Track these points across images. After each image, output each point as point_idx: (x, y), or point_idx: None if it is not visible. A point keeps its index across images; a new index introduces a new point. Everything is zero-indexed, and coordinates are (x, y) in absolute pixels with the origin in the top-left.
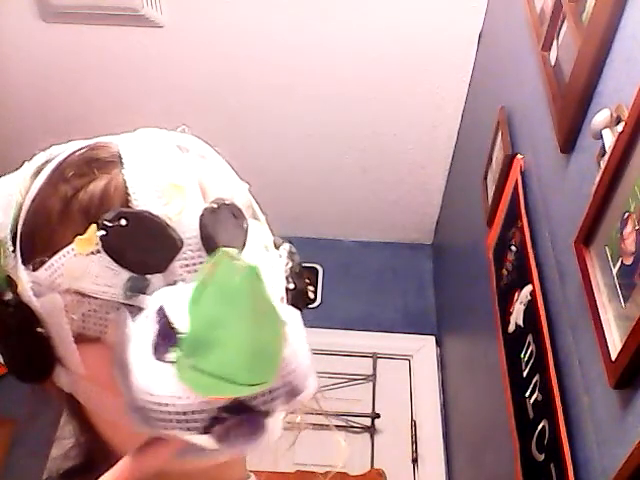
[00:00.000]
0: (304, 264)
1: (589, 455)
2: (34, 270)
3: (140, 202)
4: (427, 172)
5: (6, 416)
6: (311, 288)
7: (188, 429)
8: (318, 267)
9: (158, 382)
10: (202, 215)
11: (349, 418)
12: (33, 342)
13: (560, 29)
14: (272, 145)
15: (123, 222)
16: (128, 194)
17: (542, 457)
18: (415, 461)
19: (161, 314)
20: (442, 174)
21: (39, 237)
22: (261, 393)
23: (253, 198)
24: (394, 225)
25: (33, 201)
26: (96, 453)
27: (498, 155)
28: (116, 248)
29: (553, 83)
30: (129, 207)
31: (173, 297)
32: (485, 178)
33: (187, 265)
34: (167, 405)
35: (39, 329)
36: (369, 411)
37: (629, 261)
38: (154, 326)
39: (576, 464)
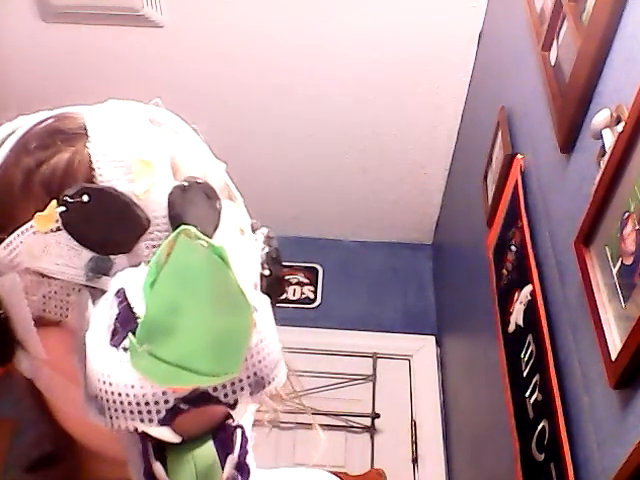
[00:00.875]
0: (304, 264)
1: (589, 455)
2: None
3: (105, 178)
4: (427, 172)
5: (6, 416)
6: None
7: (144, 420)
8: (318, 267)
9: (114, 370)
10: (171, 193)
11: (349, 418)
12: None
13: (560, 29)
14: (272, 145)
15: (85, 198)
16: (93, 169)
17: (542, 457)
18: (415, 461)
19: (120, 297)
20: (442, 174)
21: (0, 212)
22: (225, 383)
23: (230, 178)
24: (394, 225)
25: None
26: (60, 443)
27: (498, 155)
28: (77, 226)
29: (553, 83)
30: (93, 183)
31: (135, 279)
32: (485, 178)
33: (154, 246)
34: (121, 395)
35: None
36: (369, 411)
37: (629, 261)
38: (113, 310)
39: (576, 464)
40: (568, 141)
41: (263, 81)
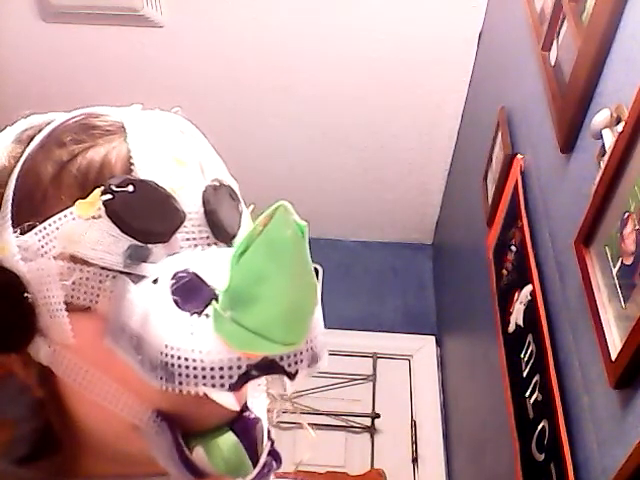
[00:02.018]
0: None
1: (589, 455)
2: (22, 234)
3: (143, 173)
4: (427, 172)
5: (6, 416)
6: None
7: (215, 385)
8: (318, 267)
9: (185, 338)
10: (205, 191)
11: (349, 418)
12: (14, 308)
13: (560, 29)
14: (272, 145)
15: (130, 188)
16: (132, 163)
17: (542, 457)
18: (415, 461)
19: (179, 277)
20: (442, 174)
21: (28, 201)
22: (289, 354)
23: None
24: (394, 225)
25: (23, 165)
26: (55, 436)
27: (498, 155)
28: (121, 214)
29: (553, 83)
30: (133, 177)
31: (199, 259)
32: (485, 178)
33: (188, 239)
34: (195, 361)
35: (24, 294)
36: (369, 411)
37: (629, 261)
38: (172, 287)
39: (576, 464)
40: (568, 141)
41: (263, 81)
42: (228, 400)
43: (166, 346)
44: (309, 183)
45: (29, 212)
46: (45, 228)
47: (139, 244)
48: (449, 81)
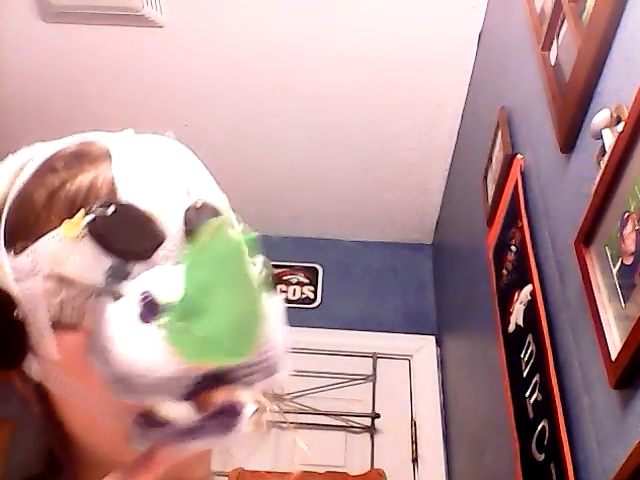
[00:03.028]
0: (304, 264)
1: (589, 455)
2: (15, 255)
3: (126, 195)
4: (427, 172)
5: (6, 416)
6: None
7: (168, 395)
8: (318, 267)
9: (141, 352)
10: (187, 210)
11: (349, 418)
12: (6, 327)
13: (560, 29)
14: (272, 145)
15: (111, 210)
16: (115, 187)
17: (542, 457)
18: (415, 461)
19: (146, 294)
20: (442, 174)
21: (22, 224)
22: (242, 365)
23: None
24: (394, 225)
25: (19, 191)
26: (59, 454)
27: (498, 155)
28: (102, 234)
29: (553, 83)
30: (117, 200)
31: (159, 276)
32: (485, 178)
33: (168, 257)
34: (149, 373)
35: (16, 313)
36: (369, 411)
37: (629, 261)
38: (139, 303)
39: (576, 464)
40: (568, 141)
41: (263, 81)
42: (182, 410)
43: (125, 359)
44: (309, 183)
45: (23, 235)
46: (35, 249)
47: (120, 263)
48: (449, 81)
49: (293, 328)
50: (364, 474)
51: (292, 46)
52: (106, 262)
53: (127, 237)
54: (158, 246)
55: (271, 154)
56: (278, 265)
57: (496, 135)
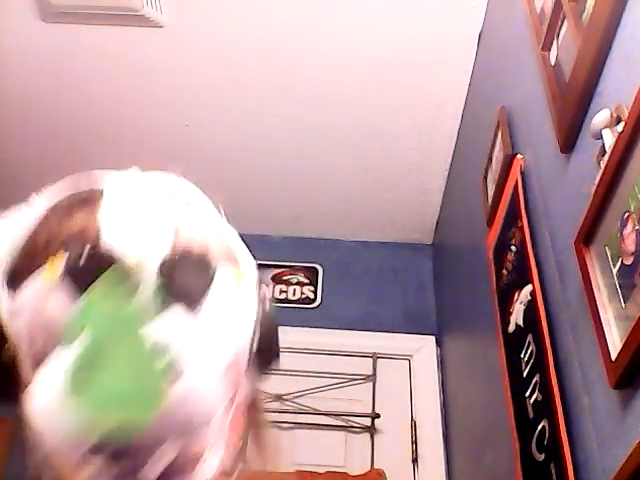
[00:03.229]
0: (304, 264)
1: (589, 455)
2: (12, 293)
3: (108, 241)
4: (427, 172)
5: (6, 416)
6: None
7: (64, 463)
8: (318, 267)
9: (48, 409)
10: (162, 263)
11: (349, 418)
12: (6, 361)
13: (560, 29)
14: (272, 145)
15: (85, 255)
16: (99, 232)
17: (542, 457)
18: (415, 461)
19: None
20: (442, 174)
21: (24, 264)
22: (142, 438)
23: (242, 241)
24: (394, 225)
25: (28, 233)
26: None
27: (498, 155)
28: (74, 280)
29: (553, 83)
30: (99, 245)
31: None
32: (485, 178)
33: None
34: (52, 432)
35: (7, 348)
36: (369, 411)
37: (629, 261)
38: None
39: (576, 464)
40: (568, 141)
41: (263, 81)
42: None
43: (37, 414)
44: (309, 183)
45: (22, 274)
46: (24, 289)
47: None
48: (449, 81)
49: (293, 328)
50: (364, 474)
51: (292, 46)
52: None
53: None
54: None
55: (271, 154)
56: (278, 265)
57: (496, 135)
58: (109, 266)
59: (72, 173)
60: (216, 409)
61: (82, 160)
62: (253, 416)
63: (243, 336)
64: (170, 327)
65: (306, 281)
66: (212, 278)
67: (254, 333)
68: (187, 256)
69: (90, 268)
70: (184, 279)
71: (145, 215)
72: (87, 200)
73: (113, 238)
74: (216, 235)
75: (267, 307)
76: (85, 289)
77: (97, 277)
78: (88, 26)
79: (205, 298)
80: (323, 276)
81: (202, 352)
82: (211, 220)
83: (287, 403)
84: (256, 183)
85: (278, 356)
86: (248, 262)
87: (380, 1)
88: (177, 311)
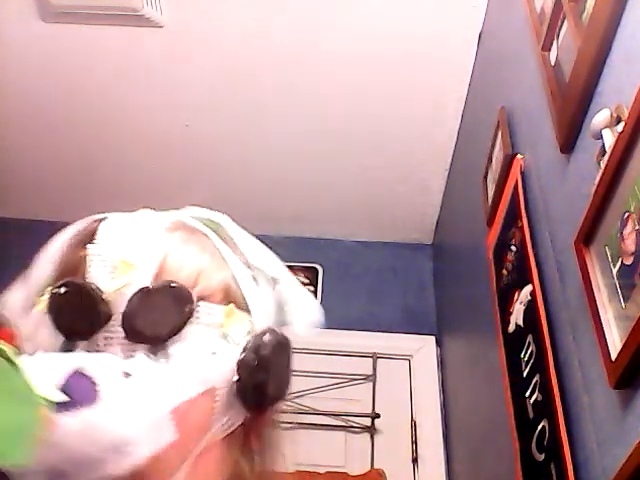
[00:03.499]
0: (304, 264)
1: (589, 455)
2: (24, 321)
3: (92, 274)
4: (427, 172)
5: None
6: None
7: None
8: (318, 267)
9: None
10: (132, 296)
11: (349, 418)
12: None
13: (560, 29)
14: (272, 145)
15: (62, 290)
16: (88, 267)
17: (542, 457)
18: (415, 461)
19: None
20: (442, 174)
21: (34, 295)
22: (24, 471)
23: (253, 283)
24: (394, 225)
25: (43, 269)
26: None
27: (498, 155)
28: (54, 312)
29: (553, 83)
30: (84, 278)
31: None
32: (485, 178)
33: (106, 338)
34: None
35: None
36: (369, 411)
37: (629, 261)
38: None
39: (576, 464)
40: (568, 141)
41: (262, 81)
42: None
43: None
44: (309, 183)
45: (33, 305)
46: (29, 318)
47: (67, 341)
48: (449, 81)
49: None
50: (364, 474)
51: (292, 46)
52: (60, 338)
53: (73, 316)
54: (99, 327)
55: (271, 154)
56: None
57: (496, 135)
58: (84, 300)
59: (73, 180)
60: (136, 445)
61: (83, 161)
62: (259, 439)
63: (211, 374)
64: (104, 361)
65: (306, 281)
66: (187, 315)
67: (237, 373)
68: (157, 289)
69: (66, 301)
70: (150, 313)
71: (127, 249)
72: (87, 237)
73: (95, 271)
74: (214, 271)
75: (266, 351)
76: (61, 321)
77: (71, 310)
78: (88, 26)
79: (171, 333)
80: (323, 276)
81: (124, 388)
82: (210, 255)
83: (287, 403)
84: (256, 183)
85: (285, 392)
86: (257, 306)
87: (380, 1)
88: (125, 346)
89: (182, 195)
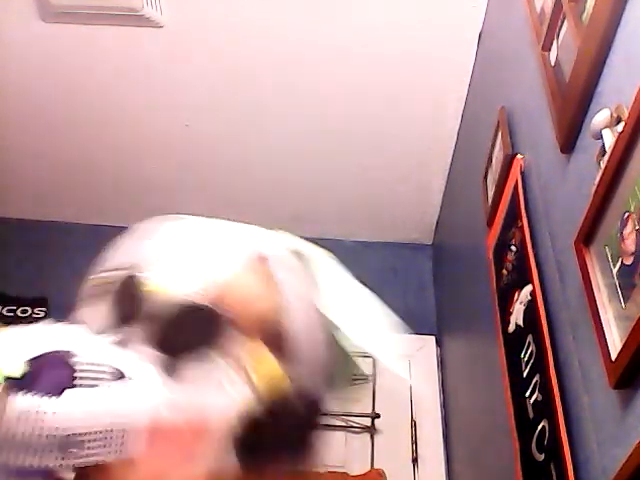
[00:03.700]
0: None
1: (589, 455)
2: None
3: (145, 271)
4: (427, 172)
5: None
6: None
7: None
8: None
9: None
10: (173, 306)
11: (349, 418)
12: None
13: (560, 29)
14: (272, 145)
15: (120, 282)
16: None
17: (542, 457)
18: (415, 461)
19: None
20: (442, 174)
21: None
22: None
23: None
24: (394, 225)
25: None
26: None
27: (498, 155)
28: (115, 303)
29: (553, 83)
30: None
31: None
32: (485, 178)
33: (138, 333)
34: None
35: None
36: (369, 411)
37: (629, 261)
38: None
39: (576, 464)
40: (568, 141)
41: (263, 81)
42: None
43: None
44: (309, 183)
45: None
46: None
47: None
48: (449, 81)
49: None
50: (364, 474)
51: (292, 47)
52: (111, 317)
53: (124, 302)
54: (135, 321)
55: (271, 154)
56: None
57: (496, 135)
58: (138, 291)
59: (73, 180)
60: (84, 449)
61: (83, 161)
62: None
63: (208, 407)
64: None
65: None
66: (208, 336)
67: (236, 419)
68: (196, 307)
69: (124, 292)
70: (180, 324)
71: (191, 258)
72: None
73: (151, 269)
74: (270, 307)
75: (275, 412)
76: (118, 306)
77: (132, 299)
78: (88, 26)
79: (191, 351)
80: None
81: (99, 392)
82: (288, 292)
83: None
84: (256, 183)
85: (294, 456)
86: (296, 353)
87: (380, 2)
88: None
89: (182, 195)
